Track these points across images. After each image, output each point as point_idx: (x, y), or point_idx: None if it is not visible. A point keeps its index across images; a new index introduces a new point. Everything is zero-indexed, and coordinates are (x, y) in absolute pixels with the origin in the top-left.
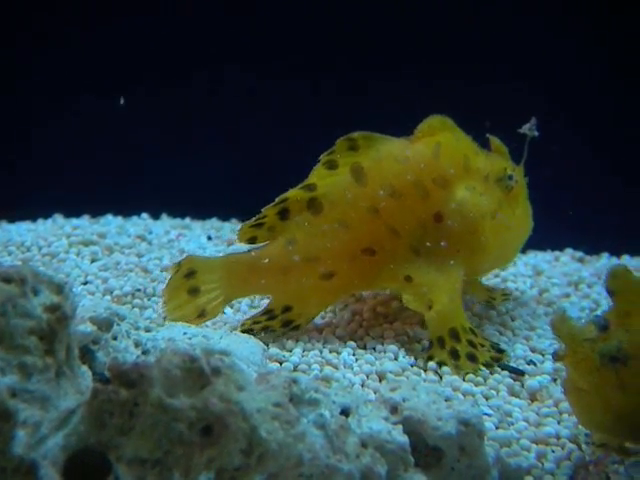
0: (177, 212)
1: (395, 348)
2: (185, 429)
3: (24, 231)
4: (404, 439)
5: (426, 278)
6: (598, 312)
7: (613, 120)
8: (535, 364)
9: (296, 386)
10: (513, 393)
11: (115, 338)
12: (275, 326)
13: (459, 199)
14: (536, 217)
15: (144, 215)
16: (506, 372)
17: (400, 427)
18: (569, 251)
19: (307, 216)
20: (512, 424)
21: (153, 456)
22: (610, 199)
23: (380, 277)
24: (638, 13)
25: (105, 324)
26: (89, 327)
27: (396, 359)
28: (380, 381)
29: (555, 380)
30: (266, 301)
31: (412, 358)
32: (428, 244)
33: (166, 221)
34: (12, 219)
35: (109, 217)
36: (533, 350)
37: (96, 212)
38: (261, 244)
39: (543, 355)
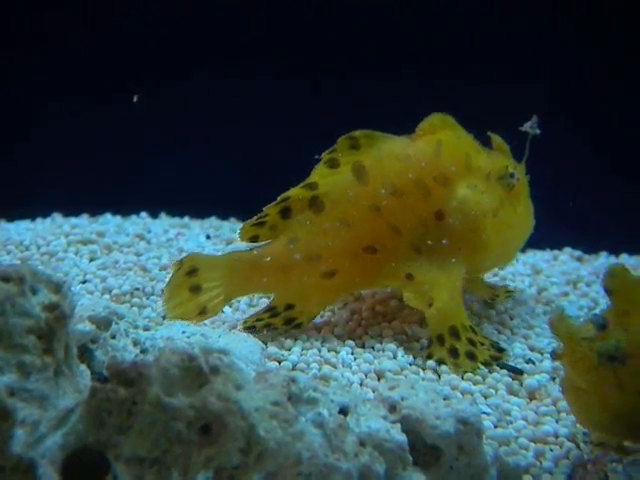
0: (176, 211)
1: (394, 347)
2: (183, 428)
3: (23, 230)
4: (402, 438)
5: (427, 276)
6: (597, 311)
7: (612, 120)
8: (534, 363)
9: (294, 385)
10: (512, 392)
11: (114, 337)
12: (277, 324)
13: (460, 197)
14: (535, 216)
15: (143, 214)
16: (505, 371)
17: (398, 426)
18: (568, 250)
19: (309, 215)
20: (511, 423)
21: (151, 455)
22: (609, 198)
23: (381, 275)
24: (639, 13)
25: (104, 323)
26: (88, 326)
27: (395, 358)
28: (379, 380)
29: (554, 379)
30: (265, 300)
31: (411, 357)
32: (429, 242)
33: (165, 220)
34: (11, 218)
35: (108, 216)
36: (532, 349)
37: (95, 211)
38: (263, 242)
39: (542, 354)
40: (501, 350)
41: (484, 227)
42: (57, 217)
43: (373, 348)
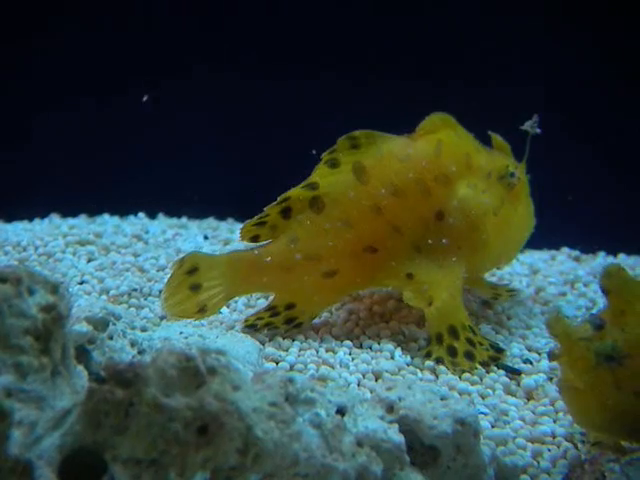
0: (174, 212)
1: (391, 347)
2: (181, 429)
3: (20, 231)
4: (400, 438)
5: (427, 275)
6: (594, 311)
7: (611, 120)
8: (531, 363)
9: (292, 385)
10: (509, 392)
11: (111, 338)
12: (278, 323)
13: (461, 197)
14: (534, 216)
15: (141, 215)
16: (502, 371)
17: (396, 426)
18: (565, 250)
19: (309, 215)
20: (508, 423)
21: (149, 456)
22: (607, 198)
23: (382, 275)
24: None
25: (101, 324)
26: (85, 327)
27: (392, 358)
28: (376, 380)
29: (551, 379)
30: (263, 301)
31: (408, 357)
32: (430, 241)
33: (163, 221)
34: (9, 219)
35: (106, 217)
36: (529, 349)
37: (93, 212)
38: (264, 242)
39: (539, 354)
40: (500, 351)
41: (484, 227)
42: (55, 218)
43: (371, 348)
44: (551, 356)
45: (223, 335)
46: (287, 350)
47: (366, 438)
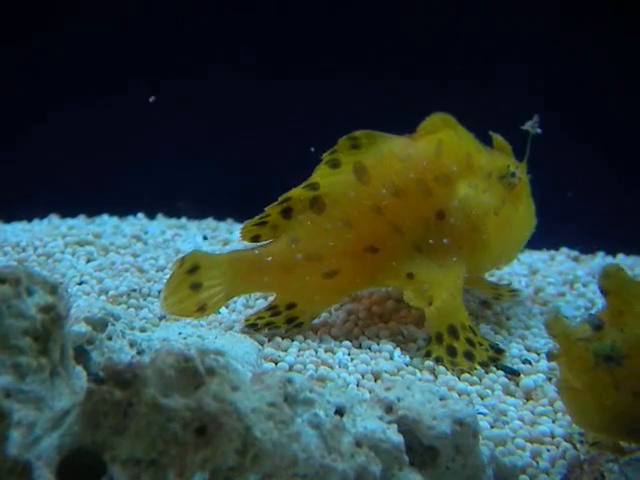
0: (173, 212)
1: (390, 347)
2: (179, 429)
3: (20, 231)
4: (399, 438)
5: (428, 275)
6: (593, 311)
7: (610, 120)
8: (530, 363)
9: (291, 386)
10: (508, 392)
11: (110, 338)
12: (279, 322)
13: (461, 196)
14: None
15: (140, 215)
16: (501, 371)
17: (395, 426)
18: (564, 250)
19: (310, 215)
20: (507, 423)
21: (147, 456)
22: (605, 198)
23: (383, 275)
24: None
25: (100, 324)
26: (84, 327)
27: (391, 358)
28: (375, 381)
29: (550, 379)
30: (262, 301)
31: (407, 357)
32: (430, 241)
33: (162, 221)
34: (8, 219)
35: (105, 217)
36: (528, 349)
37: (92, 212)
38: (264, 242)
39: (538, 354)
40: (500, 352)
41: (485, 226)
42: (54, 218)
43: (370, 349)
44: (550, 356)
45: (222, 335)
46: (286, 350)
47: (365, 438)
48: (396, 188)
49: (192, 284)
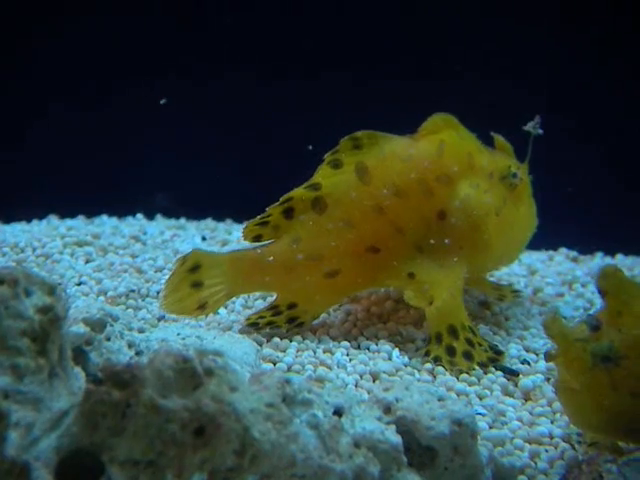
0: (172, 212)
1: (389, 348)
2: (178, 430)
3: (18, 232)
4: (397, 439)
5: (428, 275)
6: (591, 312)
7: (609, 120)
8: (529, 363)
9: (289, 386)
10: (507, 393)
11: (108, 339)
12: (280, 322)
13: (463, 197)
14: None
15: (139, 216)
16: (500, 372)
17: (393, 427)
18: (563, 250)
19: (312, 215)
20: (506, 424)
21: (146, 457)
22: (605, 199)
23: (384, 275)
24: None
25: (98, 325)
26: (82, 328)
27: (390, 359)
28: (374, 381)
29: (549, 379)
30: (261, 302)
31: (406, 358)
32: (432, 241)
33: (161, 221)
34: (7, 220)
35: (104, 218)
36: (527, 349)
37: (91, 213)
38: (266, 242)
39: (537, 354)
40: (499, 353)
41: (486, 227)
42: (53, 219)
43: (368, 349)
44: (548, 357)
45: (220, 336)
46: (285, 351)
47: (363, 439)
48: (397, 188)
49: (193, 282)
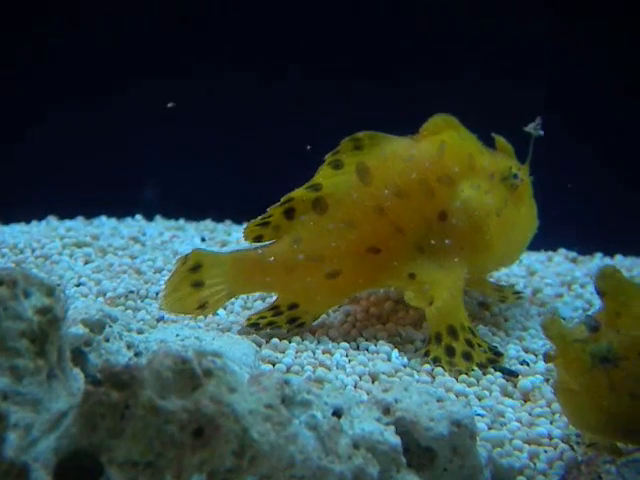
0: (171, 213)
1: (388, 349)
2: (177, 431)
3: (17, 233)
4: (396, 440)
5: (429, 275)
6: (590, 312)
7: (609, 121)
8: (528, 364)
9: (288, 387)
10: (506, 393)
11: (107, 340)
12: (281, 322)
13: (464, 197)
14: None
15: (138, 217)
16: (499, 373)
17: (392, 428)
18: (562, 251)
19: (312, 215)
20: (505, 424)
21: (145, 458)
22: (604, 199)
23: (384, 275)
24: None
25: (97, 326)
26: (81, 329)
27: (389, 360)
28: (373, 382)
29: (548, 380)
30: (260, 303)
31: (405, 359)
32: (432, 242)
33: (160, 222)
34: (6, 221)
35: (103, 219)
36: (526, 350)
37: (90, 214)
38: (267, 242)
39: (536, 355)
40: (498, 354)
41: (487, 227)
42: (52, 220)
43: (367, 350)
44: (546, 358)
45: (219, 337)
46: (284, 352)
47: (362, 440)
48: (398, 189)
49: (194, 282)
